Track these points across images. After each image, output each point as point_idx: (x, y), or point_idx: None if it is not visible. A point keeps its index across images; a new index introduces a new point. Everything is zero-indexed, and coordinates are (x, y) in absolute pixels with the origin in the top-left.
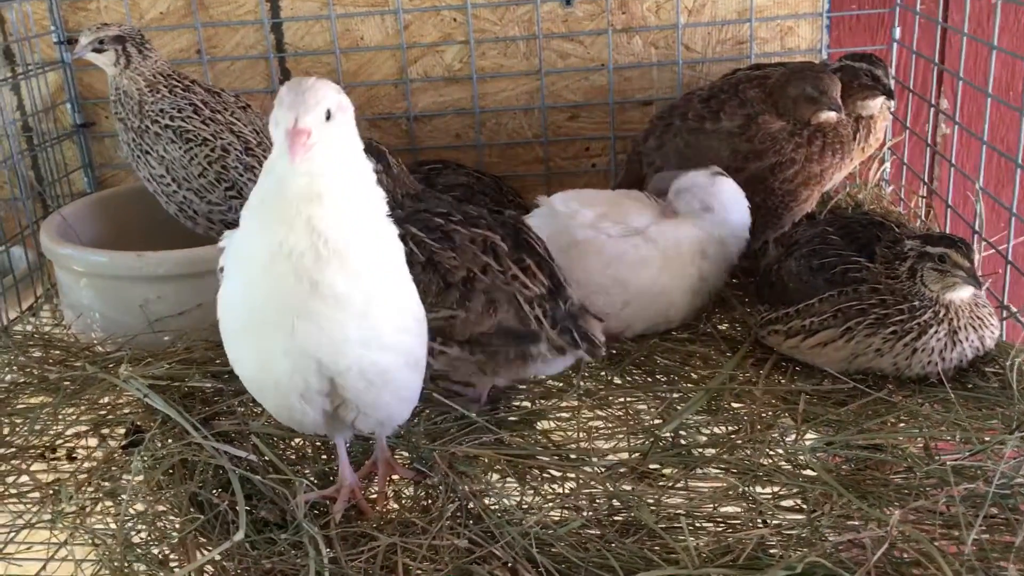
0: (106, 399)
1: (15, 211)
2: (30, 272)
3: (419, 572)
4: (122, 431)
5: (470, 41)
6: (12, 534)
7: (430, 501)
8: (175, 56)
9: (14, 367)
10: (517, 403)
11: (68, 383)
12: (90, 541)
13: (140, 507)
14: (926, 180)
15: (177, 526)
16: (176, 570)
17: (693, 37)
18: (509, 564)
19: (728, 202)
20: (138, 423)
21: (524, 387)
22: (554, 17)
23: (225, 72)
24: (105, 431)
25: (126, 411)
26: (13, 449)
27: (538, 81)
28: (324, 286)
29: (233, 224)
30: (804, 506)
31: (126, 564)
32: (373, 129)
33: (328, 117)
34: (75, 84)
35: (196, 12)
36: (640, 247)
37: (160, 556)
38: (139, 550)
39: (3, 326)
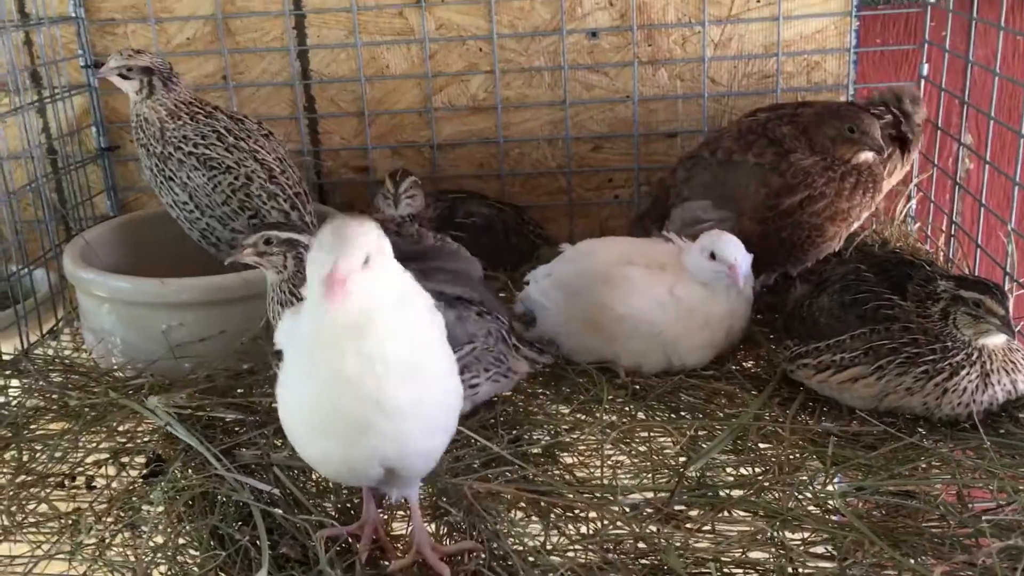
0: (126, 426)
1: (39, 233)
2: (52, 295)
3: None
4: (142, 460)
5: (495, 71)
6: (31, 564)
7: (454, 539)
8: (201, 82)
9: (35, 392)
10: (539, 436)
11: (88, 409)
12: (109, 574)
13: (160, 539)
14: (953, 217)
15: (198, 561)
16: None
17: (719, 70)
18: None
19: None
20: (159, 452)
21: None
22: (580, 48)
23: (250, 98)
24: (125, 459)
25: (146, 439)
26: (33, 477)
27: (562, 112)
28: (387, 403)
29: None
30: (835, 553)
31: None
32: (396, 157)
33: (366, 261)
34: (101, 108)
35: (223, 38)
36: (663, 293)
37: None
38: None
39: (24, 350)
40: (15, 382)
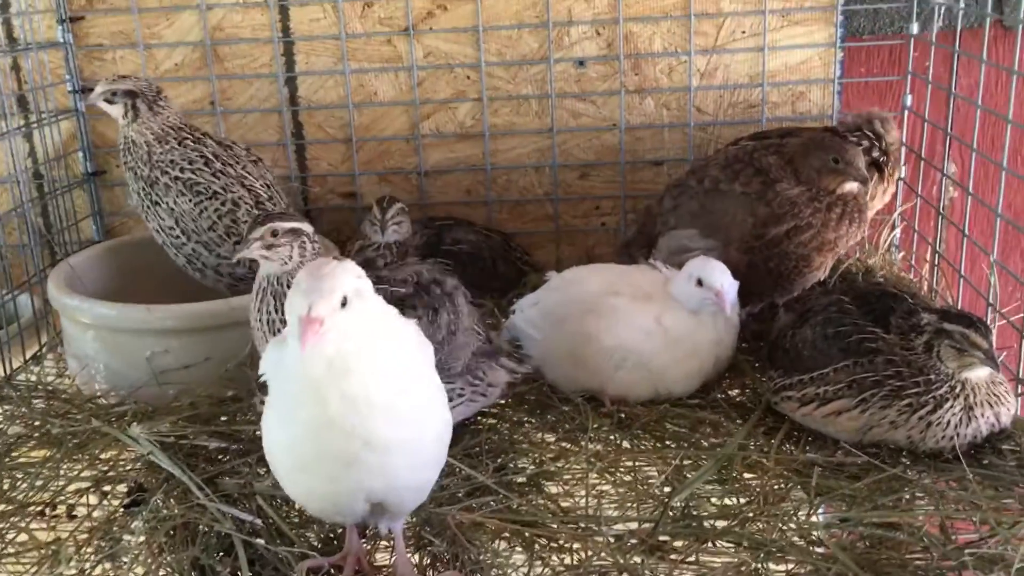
0: (108, 454)
1: (23, 258)
2: (35, 320)
3: None
4: (124, 488)
5: (483, 98)
6: None
7: (438, 570)
8: (189, 107)
9: (17, 419)
10: (524, 464)
11: (70, 436)
12: None
13: (140, 571)
14: (936, 247)
15: None
16: None
17: (705, 100)
18: None
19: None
20: (140, 481)
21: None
22: (567, 77)
23: (238, 124)
24: (107, 488)
25: (128, 468)
26: (13, 506)
27: (550, 139)
28: (375, 439)
29: (242, 278)
30: None
31: None
32: (384, 184)
33: (344, 304)
34: (88, 133)
35: (211, 64)
36: (649, 323)
37: None
38: None
39: (7, 375)
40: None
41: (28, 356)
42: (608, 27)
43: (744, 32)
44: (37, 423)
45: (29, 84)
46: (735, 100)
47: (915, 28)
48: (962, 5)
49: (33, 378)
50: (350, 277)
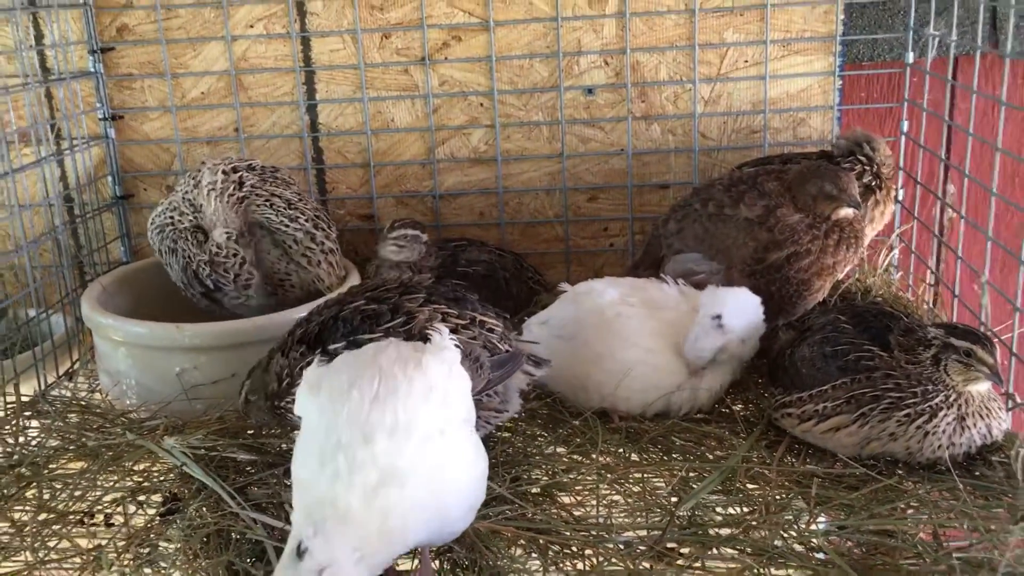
0: (142, 466)
1: (56, 278)
2: (68, 339)
3: None
4: (158, 498)
5: (496, 125)
6: None
7: (458, 575)
8: (214, 133)
9: (54, 432)
10: (538, 476)
11: (105, 449)
12: None
13: (178, 575)
14: (932, 268)
15: None
16: None
17: (709, 126)
18: None
19: (750, 325)
20: (174, 491)
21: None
22: (576, 104)
23: (261, 149)
24: (142, 498)
25: (161, 478)
26: (54, 515)
27: (560, 164)
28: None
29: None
30: None
31: None
32: (400, 206)
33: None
34: (117, 158)
35: (236, 92)
36: (661, 341)
37: None
38: None
39: (42, 391)
40: (34, 422)
41: (61, 372)
42: (616, 57)
43: (747, 61)
44: (72, 436)
45: (62, 112)
46: (738, 126)
47: (911, 57)
48: (955, 37)
49: (67, 393)
50: None
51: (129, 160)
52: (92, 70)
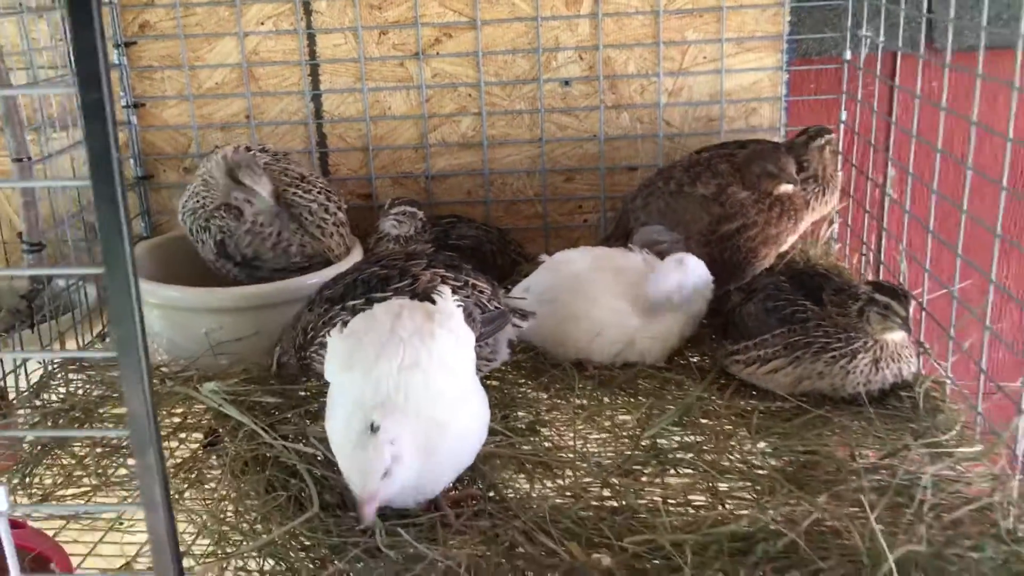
0: (179, 409)
1: (89, 252)
2: (100, 304)
3: (452, 543)
4: (199, 435)
5: (482, 113)
6: (121, 511)
7: (457, 488)
8: (227, 120)
9: (101, 383)
10: (524, 415)
11: None
12: (186, 517)
13: (223, 492)
14: (864, 240)
15: (258, 505)
16: (263, 536)
17: (672, 114)
18: (527, 531)
19: (699, 283)
20: (215, 427)
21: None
22: (554, 95)
23: (270, 134)
24: (183, 435)
25: (198, 420)
26: (109, 449)
27: (539, 148)
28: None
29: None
30: (755, 494)
31: (222, 531)
32: (396, 186)
33: (386, 473)
34: (139, 142)
35: (247, 83)
36: (629, 303)
37: (249, 527)
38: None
39: (84, 346)
40: (78, 376)
41: (95, 333)
42: (589, 53)
43: (705, 57)
44: (114, 386)
45: None
46: (698, 115)
47: (848, 54)
48: (882, 38)
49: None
50: (384, 452)
51: (150, 144)
52: (117, 62)
